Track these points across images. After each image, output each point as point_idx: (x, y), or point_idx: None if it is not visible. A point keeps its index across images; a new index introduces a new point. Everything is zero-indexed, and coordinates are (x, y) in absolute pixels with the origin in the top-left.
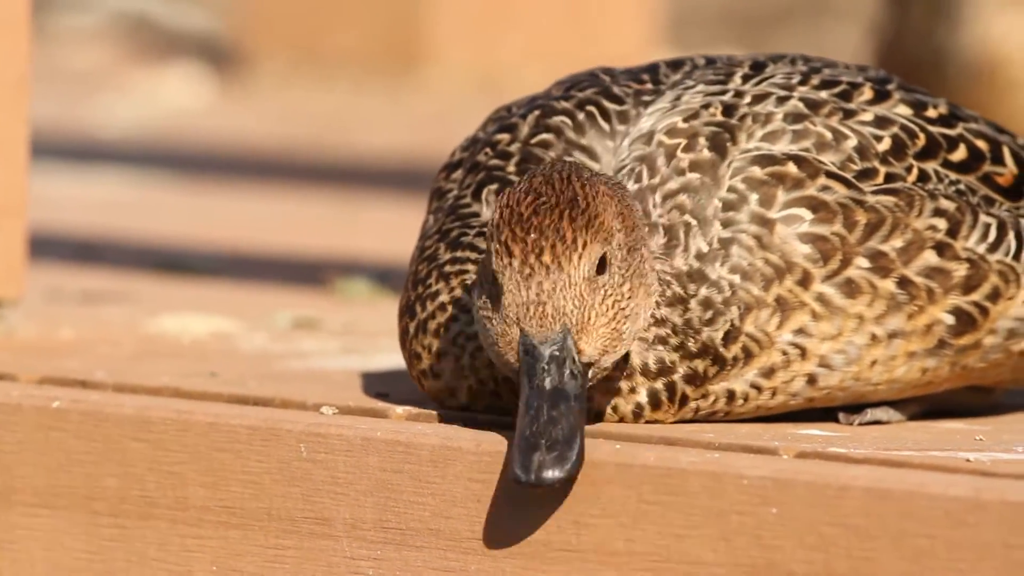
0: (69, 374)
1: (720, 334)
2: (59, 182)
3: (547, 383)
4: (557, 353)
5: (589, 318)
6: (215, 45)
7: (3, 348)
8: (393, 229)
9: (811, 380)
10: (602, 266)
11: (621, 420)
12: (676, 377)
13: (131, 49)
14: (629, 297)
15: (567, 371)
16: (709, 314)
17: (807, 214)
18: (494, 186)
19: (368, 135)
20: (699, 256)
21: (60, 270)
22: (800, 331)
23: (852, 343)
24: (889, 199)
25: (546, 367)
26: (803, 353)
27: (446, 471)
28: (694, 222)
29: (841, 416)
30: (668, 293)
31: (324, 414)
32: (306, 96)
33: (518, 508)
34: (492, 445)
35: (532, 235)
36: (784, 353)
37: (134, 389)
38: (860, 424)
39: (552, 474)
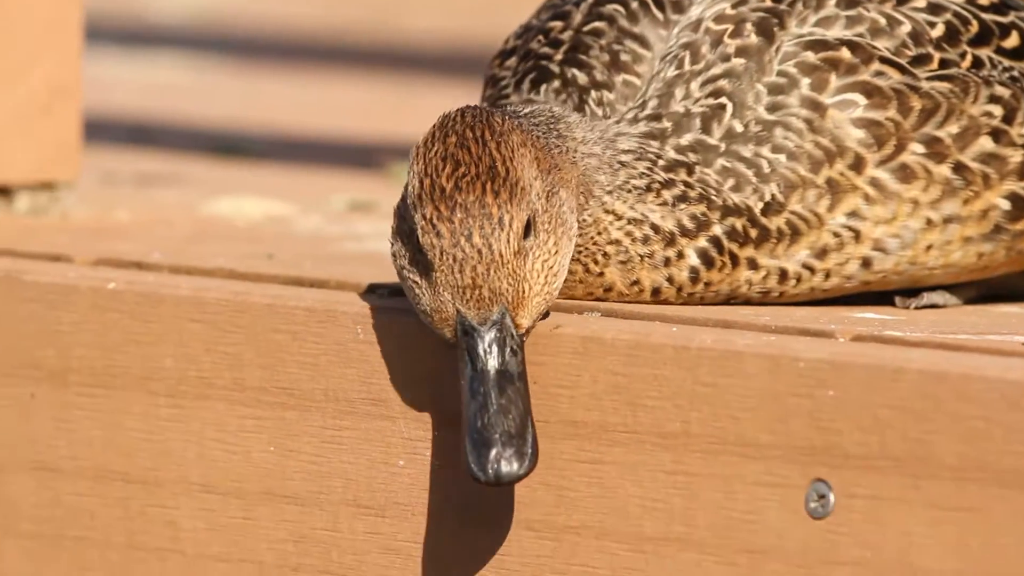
0: (124, 255)
1: (756, 203)
2: (113, 66)
3: (491, 365)
4: (497, 333)
5: (523, 291)
6: None
7: (59, 230)
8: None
9: (866, 263)
10: (528, 229)
11: (680, 289)
12: (717, 231)
13: None
14: (555, 252)
15: (508, 349)
16: (731, 182)
17: (861, 99)
18: (533, 75)
19: (422, 19)
20: (729, 135)
21: (115, 153)
22: (853, 214)
23: (907, 227)
24: (944, 85)
25: (488, 348)
26: (857, 236)
27: None
28: (730, 105)
29: (897, 300)
30: (660, 163)
31: (380, 296)
32: None
33: (575, 390)
34: (547, 327)
35: (458, 215)
36: (837, 235)
37: (190, 271)
38: (916, 308)
39: (510, 470)
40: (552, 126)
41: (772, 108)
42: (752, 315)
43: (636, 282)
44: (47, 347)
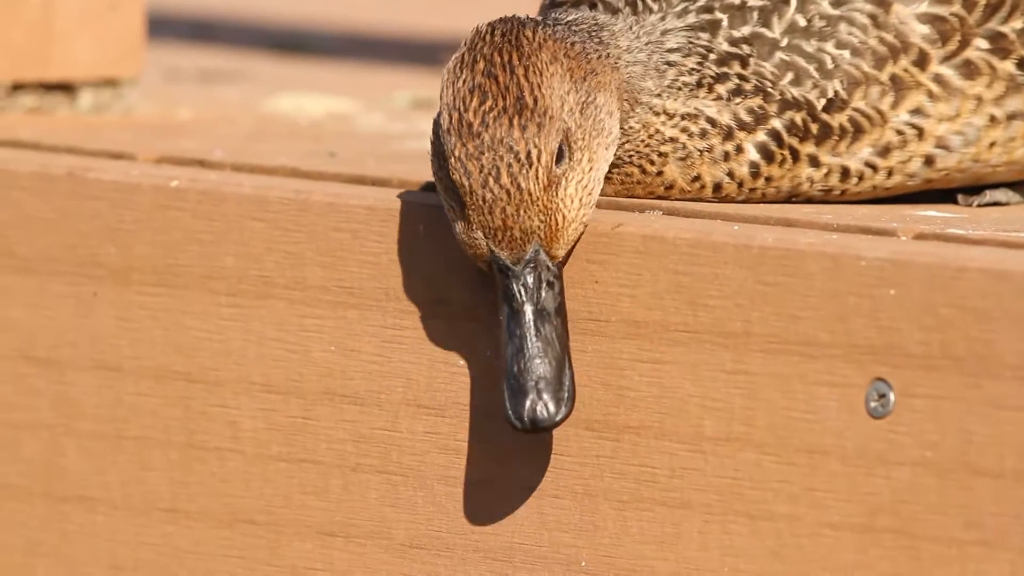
0: (187, 153)
1: (817, 98)
2: None
3: (526, 307)
4: (533, 272)
5: (557, 223)
6: None
7: (121, 127)
8: (512, 9)
9: (928, 161)
10: (560, 154)
11: (741, 185)
12: (776, 124)
13: None
14: (590, 168)
15: (544, 284)
16: (791, 75)
17: None
18: None
19: None
20: (791, 29)
21: (177, 49)
22: (917, 111)
23: (971, 124)
24: None
25: (523, 288)
26: (920, 133)
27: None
28: (794, 1)
29: (960, 198)
30: (712, 57)
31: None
32: None
33: (636, 289)
34: (608, 226)
35: (486, 155)
36: (900, 132)
37: (252, 169)
38: (979, 205)
39: (547, 417)
40: (594, 33)
41: (836, 3)
42: (814, 213)
43: (697, 178)
44: (109, 245)
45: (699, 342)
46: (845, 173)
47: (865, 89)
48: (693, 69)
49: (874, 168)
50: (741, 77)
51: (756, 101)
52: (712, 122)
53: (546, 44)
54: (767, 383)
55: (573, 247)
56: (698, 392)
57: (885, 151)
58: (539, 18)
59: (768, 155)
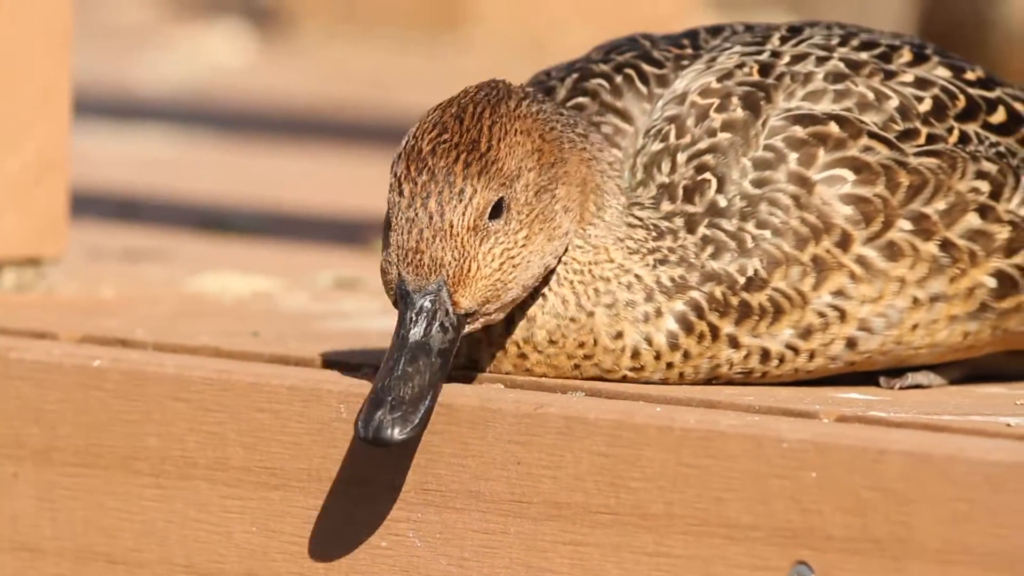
0: (110, 333)
1: (737, 274)
2: (101, 139)
3: (412, 335)
4: (429, 305)
5: (469, 269)
6: (257, 3)
7: (44, 306)
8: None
9: (851, 343)
10: (497, 211)
11: (658, 356)
12: (696, 295)
13: (174, 6)
14: (524, 244)
15: (437, 323)
16: (711, 249)
17: (849, 175)
18: None
19: (410, 94)
20: (712, 209)
21: (101, 228)
22: (839, 293)
23: (893, 306)
24: (932, 161)
25: (415, 317)
26: (842, 316)
27: (486, 433)
28: (714, 180)
29: (882, 380)
30: (652, 233)
31: (364, 375)
32: (347, 54)
33: (558, 471)
34: (530, 407)
35: (423, 177)
36: (822, 315)
37: (175, 348)
38: (901, 388)
39: (390, 434)
40: (583, 127)
41: (758, 183)
42: (736, 395)
43: (619, 335)
44: (31, 425)
45: (622, 524)
46: (765, 355)
47: (785, 269)
48: (637, 239)
49: (795, 350)
50: (669, 249)
51: (678, 271)
52: (638, 278)
53: (523, 118)
54: (689, 566)
55: (480, 309)
56: (620, 574)
57: (807, 333)
58: (531, 90)
59: (687, 326)
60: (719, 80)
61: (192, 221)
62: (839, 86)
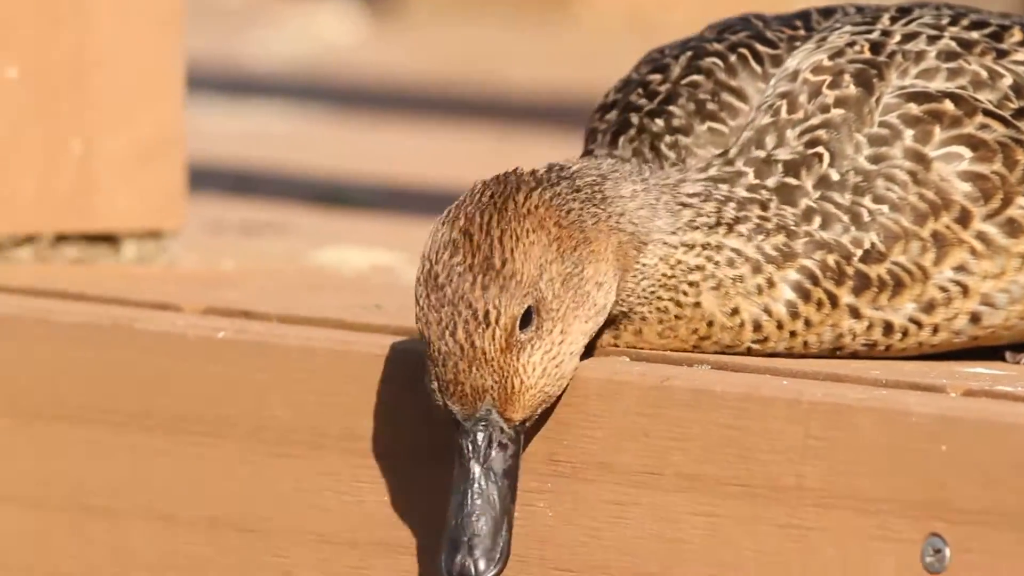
0: (232, 305)
1: (851, 245)
2: (215, 116)
3: (472, 465)
4: (482, 430)
5: (513, 386)
6: None
7: (165, 278)
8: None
9: (975, 318)
10: (528, 318)
11: (780, 326)
12: (806, 263)
13: None
14: (562, 341)
15: (495, 445)
16: (818, 220)
17: (967, 152)
18: (615, 128)
19: (519, 71)
20: (824, 183)
21: (219, 202)
22: (961, 268)
23: (1016, 282)
24: None
25: (471, 447)
26: (965, 291)
27: (613, 405)
28: (827, 155)
29: (1007, 355)
30: (730, 204)
31: None
32: (457, 32)
33: (687, 442)
34: (657, 379)
35: (446, 308)
36: (944, 289)
37: (298, 320)
38: None
39: (473, 574)
40: (597, 188)
41: (874, 159)
42: (862, 368)
43: (735, 311)
44: (161, 396)
45: (752, 496)
46: (888, 328)
47: (905, 244)
48: (711, 212)
49: (919, 324)
50: (761, 218)
51: (779, 239)
52: (737, 252)
53: (535, 212)
54: (822, 538)
55: (537, 412)
56: (753, 546)
57: (929, 307)
58: (542, 173)
59: (804, 293)
60: (831, 58)
61: (308, 195)
62: (952, 64)
